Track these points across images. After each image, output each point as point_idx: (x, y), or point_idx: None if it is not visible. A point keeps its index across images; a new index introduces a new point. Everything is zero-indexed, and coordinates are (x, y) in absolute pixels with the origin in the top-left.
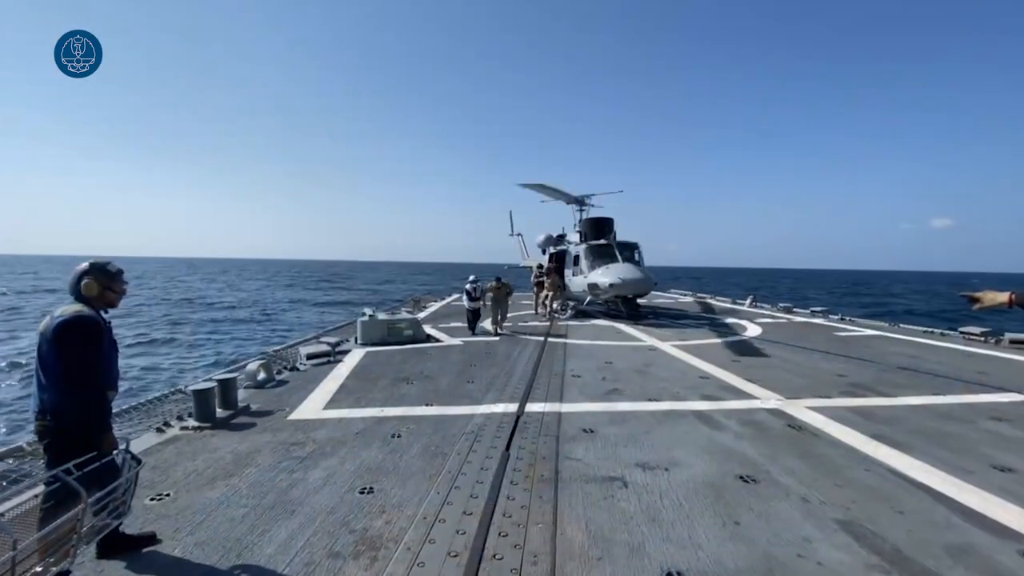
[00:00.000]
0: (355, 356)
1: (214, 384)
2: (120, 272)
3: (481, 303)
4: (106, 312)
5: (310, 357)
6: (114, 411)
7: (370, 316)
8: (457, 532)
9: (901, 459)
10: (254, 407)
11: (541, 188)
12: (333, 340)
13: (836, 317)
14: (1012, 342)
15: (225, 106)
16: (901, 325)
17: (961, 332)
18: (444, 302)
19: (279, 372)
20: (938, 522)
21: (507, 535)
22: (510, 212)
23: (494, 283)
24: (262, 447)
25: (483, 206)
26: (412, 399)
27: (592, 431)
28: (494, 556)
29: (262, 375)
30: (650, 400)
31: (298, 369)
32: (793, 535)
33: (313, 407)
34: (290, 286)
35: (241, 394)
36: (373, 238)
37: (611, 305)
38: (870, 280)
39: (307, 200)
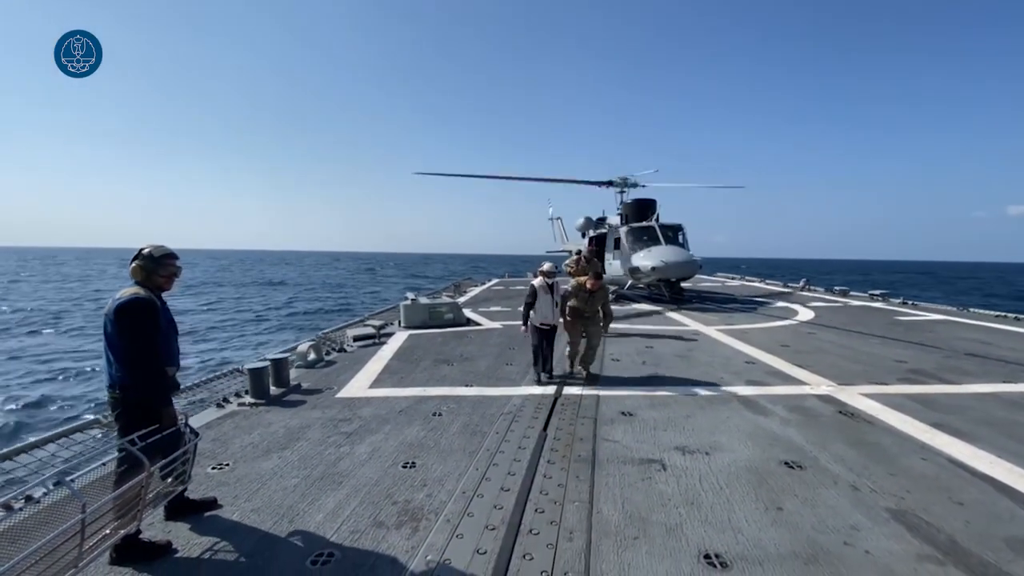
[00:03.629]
0: (398, 338)
1: (267, 364)
2: (167, 256)
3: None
4: (161, 293)
5: (356, 339)
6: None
7: (412, 300)
8: (495, 507)
9: (963, 448)
10: (305, 385)
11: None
12: (378, 323)
13: (898, 301)
14: None
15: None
16: (971, 310)
17: None
18: (484, 287)
19: (328, 353)
20: (1000, 514)
21: (543, 512)
22: (548, 199)
23: (573, 267)
24: (312, 423)
25: (516, 193)
26: (452, 380)
27: (631, 414)
28: (530, 531)
29: (312, 356)
30: (692, 385)
31: (345, 350)
32: (840, 523)
33: (359, 386)
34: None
35: (293, 373)
36: (399, 229)
37: (653, 289)
38: (944, 271)
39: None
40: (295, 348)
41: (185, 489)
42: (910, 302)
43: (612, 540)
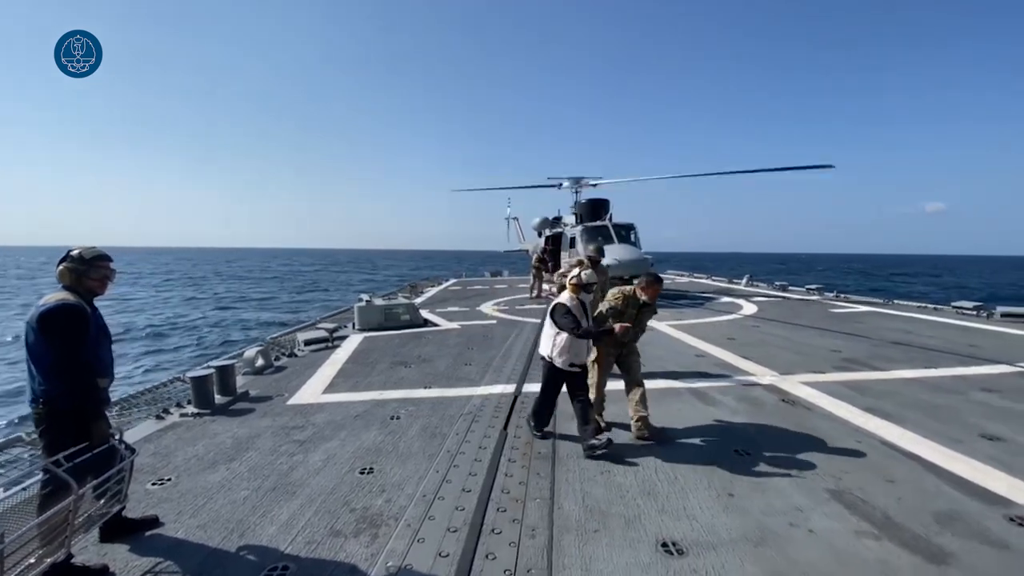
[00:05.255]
0: (353, 341)
1: (212, 371)
2: (99, 258)
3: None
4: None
5: (308, 343)
6: (113, 399)
7: (367, 302)
8: (456, 508)
9: (892, 430)
10: (253, 393)
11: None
12: (331, 326)
13: (831, 295)
14: (1004, 315)
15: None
16: (895, 301)
17: (954, 306)
18: (441, 287)
19: (277, 358)
20: (928, 490)
21: (505, 510)
22: (508, 197)
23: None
24: (262, 431)
25: (473, 191)
26: (410, 382)
27: None
28: (492, 531)
29: (260, 361)
30: (646, 378)
31: (296, 355)
32: (785, 505)
33: (312, 392)
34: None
35: (240, 381)
36: (353, 226)
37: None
38: (873, 263)
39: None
40: (241, 354)
41: (123, 509)
42: (842, 295)
43: (574, 534)
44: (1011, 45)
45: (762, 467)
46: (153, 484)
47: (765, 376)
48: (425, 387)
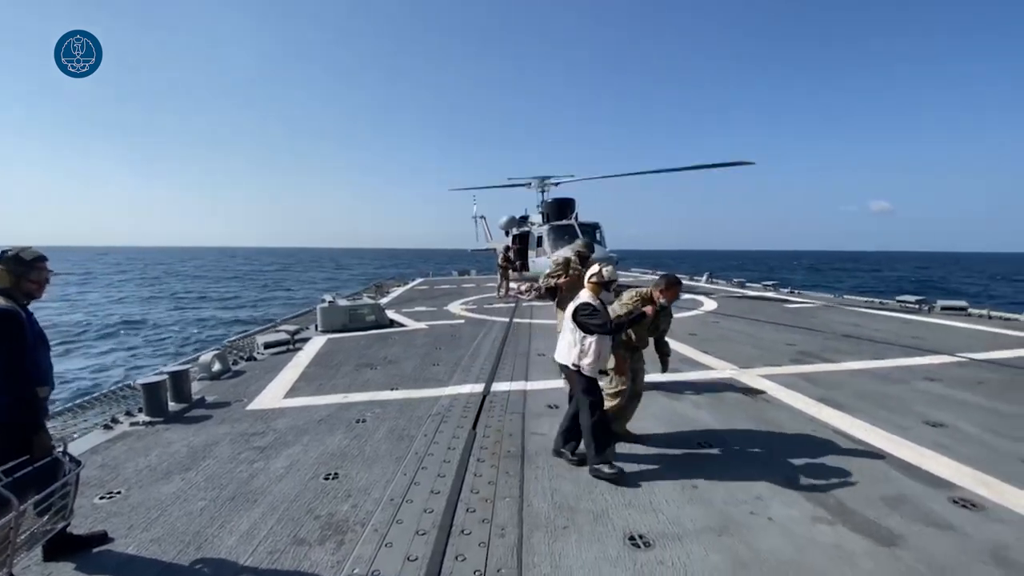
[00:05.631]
0: (316, 343)
1: (165, 377)
2: (37, 260)
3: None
4: (28, 303)
5: (268, 346)
6: (57, 409)
7: (330, 303)
8: (425, 511)
9: (844, 419)
10: (210, 399)
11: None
12: (292, 328)
13: (786, 291)
14: (943, 308)
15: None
16: (845, 296)
17: (898, 301)
18: (407, 287)
19: (235, 362)
20: (877, 476)
21: (475, 511)
22: (474, 196)
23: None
24: (220, 439)
25: (442, 190)
26: (377, 384)
27: (557, 407)
28: (462, 532)
29: (217, 366)
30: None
31: (256, 359)
32: (746, 494)
33: (273, 396)
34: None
35: (195, 386)
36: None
37: None
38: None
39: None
40: (197, 359)
41: (68, 525)
42: (796, 291)
43: (543, 532)
44: (952, 60)
45: (724, 458)
46: (101, 498)
47: (726, 370)
48: (392, 389)
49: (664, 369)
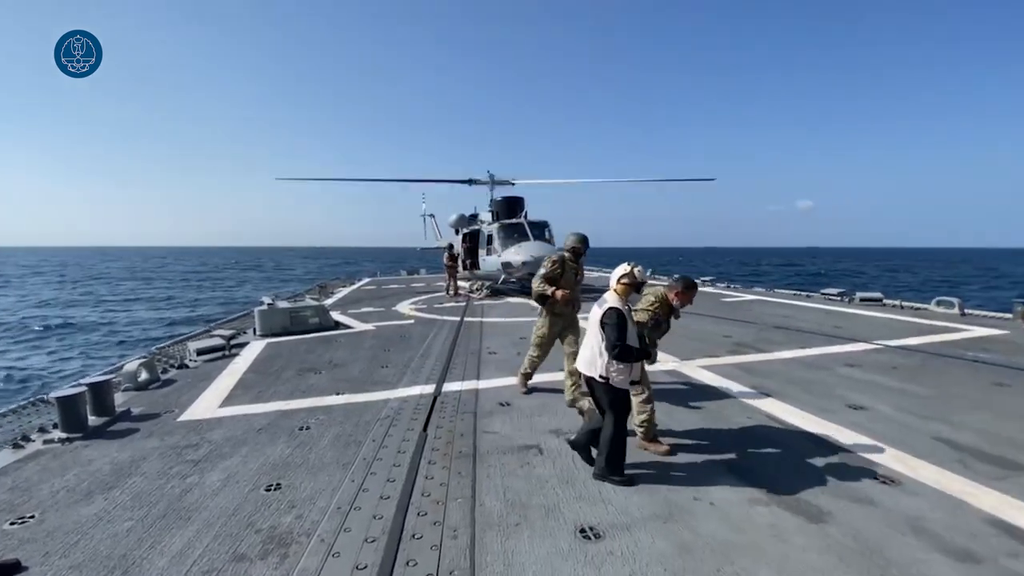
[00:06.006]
0: (254, 348)
1: (83, 389)
2: None
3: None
4: None
5: (201, 352)
6: None
7: (269, 305)
8: (374, 517)
9: (776, 405)
10: (136, 411)
11: None
12: (227, 333)
13: (723, 285)
14: (861, 299)
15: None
16: (776, 289)
17: (822, 293)
18: (353, 287)
19: (164, 371)
20: (807, 457)
21: (426, 514)
22: (423, 193)
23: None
24: (148, 454)
25: (394, 188)
26: (321, 389)
27: (509, 404)
28: (413, 536)
29: (144, 375)
30: (562, 371)
31: (188, 366)
32: (689, 481)
33: (207, 406)
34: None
35: (119, 398)
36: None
37: (525, 282)
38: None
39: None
40: (120, 368)
41: None
42: (732, 285)
43: (496, 531)
44: (857, 74)
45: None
46: (12, 524)
47: (668, 362)
48: (338, 393)
49: (653, 361)
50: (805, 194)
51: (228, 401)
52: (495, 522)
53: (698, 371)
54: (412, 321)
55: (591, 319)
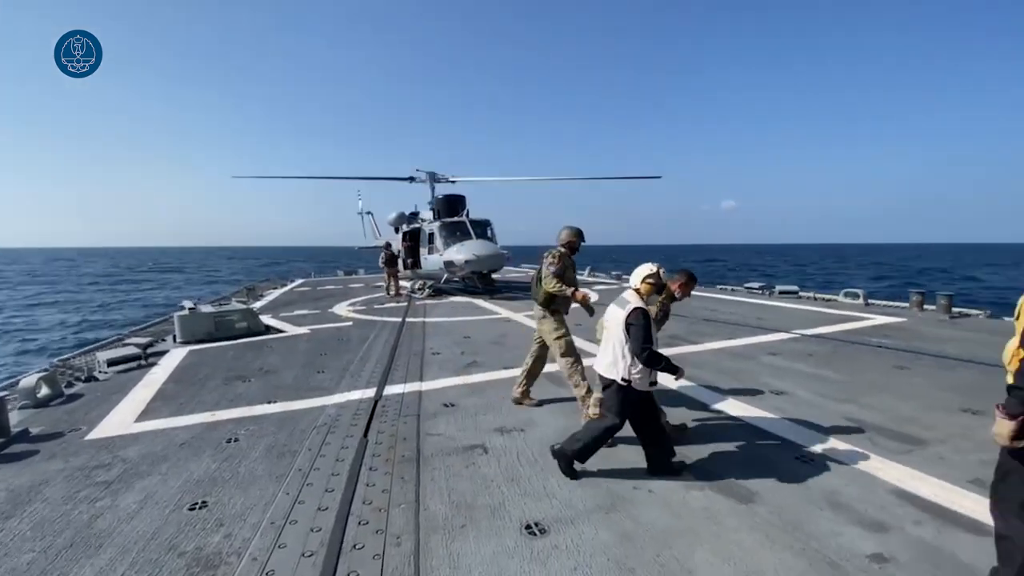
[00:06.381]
0: (175, 356)
1: None
2: None
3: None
4: None
5: (113, 363)
6: None
7: (191, 309)
8: (312, 530)
9: (708, 394)
10: (35, 431)
11: None
12: (143, 341)
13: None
14: (780, 292)
15: None
16: (704, 284)
17: (746, 287)
18: (285, 289)
19: (69, 384)
20: (736, 441)
21: (367, 523)
22: (358, 191)
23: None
24: (51, 477)
25: (326, 186)
26: (251, 398)
27: (453, 405)
28: (354, 547)
29: (44, 390)
30: (506, 368)
31: (97, 379)
32: (630, 471)
33: (120, 421)
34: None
35: (15, 416)
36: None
37: (468, 281)
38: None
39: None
40: (16, 383)
41: None
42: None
43: (440, 534)
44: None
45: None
46: None
47: None
48: (270, 402)
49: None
50: (729, 195)
51: (145, 415)
52: (440, 525)
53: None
54: (350, 323)
55: (611, 319)
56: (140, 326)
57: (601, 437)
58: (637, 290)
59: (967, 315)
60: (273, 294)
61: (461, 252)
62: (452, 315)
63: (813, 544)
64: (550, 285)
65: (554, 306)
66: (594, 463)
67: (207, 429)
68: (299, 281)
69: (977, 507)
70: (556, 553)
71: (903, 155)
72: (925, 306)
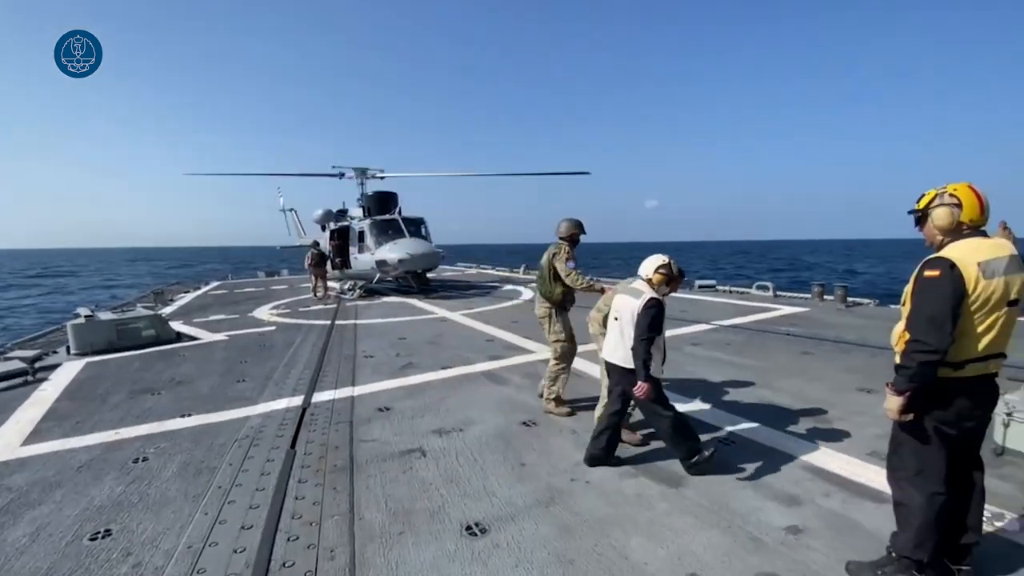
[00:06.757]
0: (69, 370)
1: None
2: None
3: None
4: None
5: None
6: None
7: (88, 317)
8: (235, 551)
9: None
10: None
11: None
12: (29, 353)
13: (588, 278)
14: (700, 286)
15: None
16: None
17: None
18: (199, 292)
19: None
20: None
21: (298, 538)
22: (278, 187)
23: None
24: None
25: (247, 183)
26: (161, 412)
27: (388, 408)
28: (284, 565)
29: None
30: (443, 368)
31: None
32: (567, 463)
33: (5, 445)
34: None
35: None
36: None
37: (402, 281)
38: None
39: None
40: None
41: None
42: (598, 278)
43: (377, 543)
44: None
45: (546, 433)
46: None
47: (543, 352)
48: (183, 415)
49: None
50: (653, 194)
51: (34, 437)
52: (377, 534)
53: None
54: (273, 327)
55: (624, 308)
56: (26, 337)
57: (678, 423)
58: (649, 280)
59: (860, 303)
60: (185, 298)
61: (394, 251)
62: (386, 316)
63: (737, 521)
64: (574, 280)
65: (565, 303)
66: (533, 458)
67: (109, 449)
68: (214, 284)
69: (877, 477)
70: (497, 551)
71: (793, 155)
72: (825, 297)
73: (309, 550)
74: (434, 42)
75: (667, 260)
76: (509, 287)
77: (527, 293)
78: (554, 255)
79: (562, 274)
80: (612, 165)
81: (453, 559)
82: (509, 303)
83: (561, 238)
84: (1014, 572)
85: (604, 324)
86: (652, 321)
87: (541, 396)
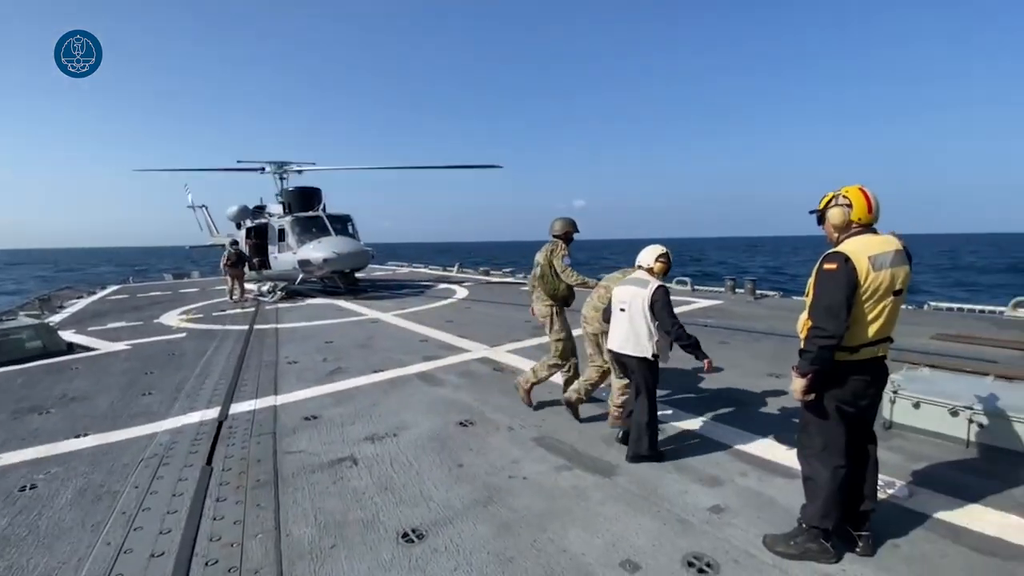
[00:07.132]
0: None
1: None
2: None
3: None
4: None
5: None
6: None
7: None
8: None
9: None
10: None
11: None
12: None
13: (520, 275)
14: None
15: None
16: None
17: (597, 278)
18: (95, 297)
19: None
20: (595, 420)
21: (217, 562)
22: (186, 184)
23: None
24: None
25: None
26: (52, 432)
27: (315, 417)
28: None
29: None
30: (375, 372)
31: None
32: (504, 461)
33: None
34: None
35: None
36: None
37: (328, 281)
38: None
39: None
40: None
41: None
42: (527, 276)
43: (307, 560)
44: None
45: (483, 432)
46: None
47: (479, 350)
48: (79, 435)
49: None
50: (580, 195)
51: None
52: (306, 551)
53: (505, 355)
54: (183, 335)
55: (630, 298)
56: None
57: (654, 418)
58: (650, 269)
59: (767, 295)
60: (77, 304)
61: (319, 250)
62: (310, 319)
63: (666, 505)
64: (574, 279)
65: (569, 301)
66: (470, 458)
67: None
68: (113, 288)
69: (787, 455)
70: (436, 556)
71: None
72: (736, 290)
73: (231, 573)
74: (345, 32)
75: (665, 250)
76: (443, 286)
77: (462, 292)
78: (552, 253)
79: (560, 271)
80: (552, 165)
81: (390, 569)
82: (444, 302)
83: (556, 236)
84: (906, 534)
85: (603, 321)
86: (670, 306)
87: (572, 400)
